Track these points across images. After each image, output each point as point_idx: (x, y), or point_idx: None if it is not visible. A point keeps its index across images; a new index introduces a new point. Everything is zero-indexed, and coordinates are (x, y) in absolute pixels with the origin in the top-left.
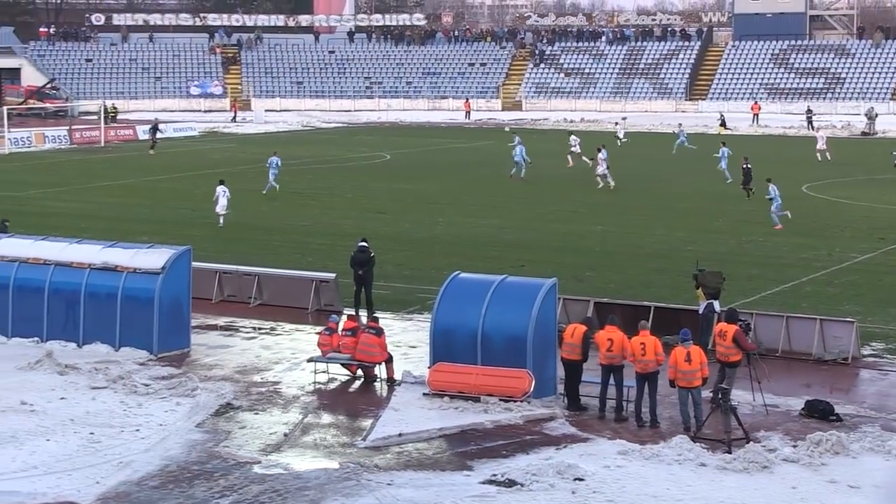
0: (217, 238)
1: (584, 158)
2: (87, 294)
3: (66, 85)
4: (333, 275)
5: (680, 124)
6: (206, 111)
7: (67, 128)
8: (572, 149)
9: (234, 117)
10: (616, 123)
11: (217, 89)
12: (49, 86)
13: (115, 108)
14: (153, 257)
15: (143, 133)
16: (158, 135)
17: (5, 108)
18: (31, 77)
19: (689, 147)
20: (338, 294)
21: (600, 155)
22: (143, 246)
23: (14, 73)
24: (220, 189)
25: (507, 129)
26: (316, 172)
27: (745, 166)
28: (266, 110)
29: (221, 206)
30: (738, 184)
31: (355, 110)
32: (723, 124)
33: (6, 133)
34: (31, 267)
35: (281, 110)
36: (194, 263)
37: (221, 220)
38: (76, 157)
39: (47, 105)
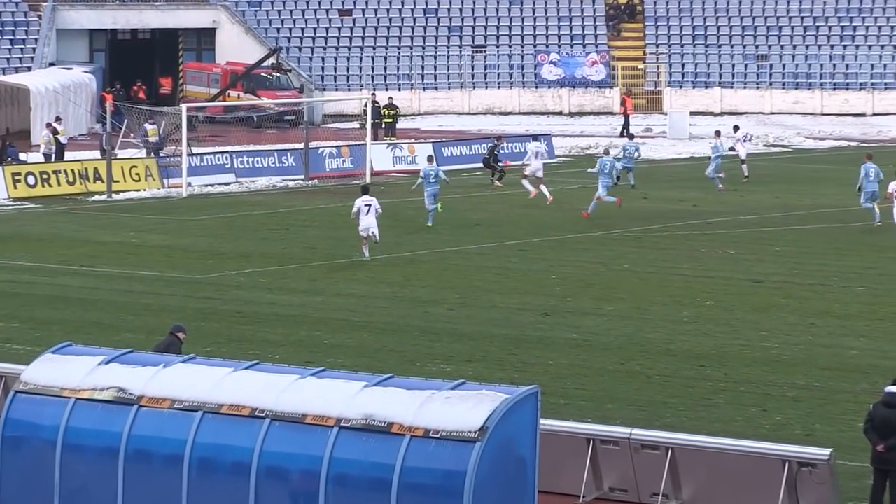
0: (590, 367)
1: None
2: (332, 479)
3: (301, 62)
4: (826, 451)
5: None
6: (572, 114)
7: (302, 149)
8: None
9: (627, 126)
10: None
11: (596, 70)
12: (270, 63)
13: (393, 105)
14: (462, 408)
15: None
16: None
17: (184, 106)
18: (235, 46)
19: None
20: (834, 490)
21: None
22: (441, 385)
23: (206, 39)
24: (363, 201)
25: None
26: (788, 239)
27: None
28: (692, 112)
29: (365, 227)
30: None
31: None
32: None
33: (185, 157)
34: (224, 422)
35: (722, 112)
36: (545, 422)
37: (366, 252)
38: (316, 203)
39: (264, 101)
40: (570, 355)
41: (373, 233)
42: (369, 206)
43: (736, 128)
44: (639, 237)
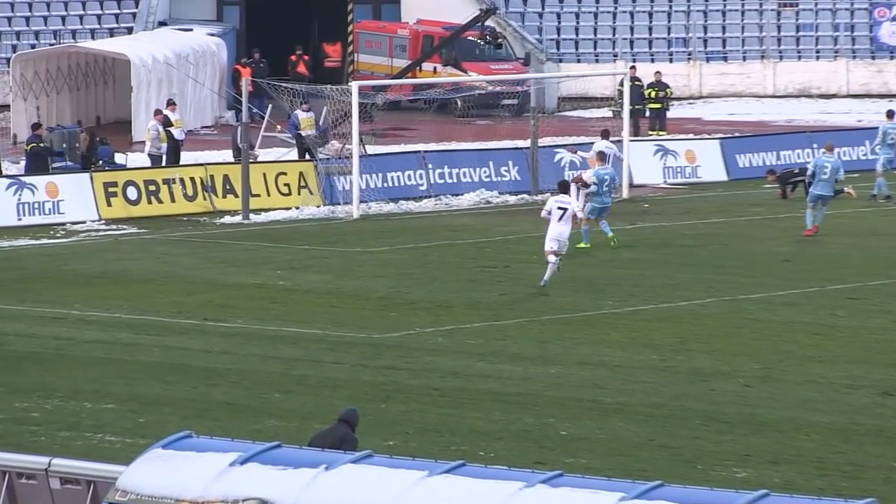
0: None
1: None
2: None
3: (526, 21)
4: None
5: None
6: None
7: (528, 149)
8: None
9: None
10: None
11: None
12: (482, 23)
13: (662, 84)
14: None
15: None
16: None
17: (355, 84)
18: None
19: None
20: None
21: None
22: (735, 498)
23: None
24: (557, 202)
25: None
26: None
27: None
28: None
29: (555, 236)
30: None
31: None
32: None
33: (356, 161)
34: None
35: None
36: None
37: (548, 273)
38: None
39: (473, 77)
40: None
41: (559, 249)
42: (564, 209)
43: (891, 113)
44: None
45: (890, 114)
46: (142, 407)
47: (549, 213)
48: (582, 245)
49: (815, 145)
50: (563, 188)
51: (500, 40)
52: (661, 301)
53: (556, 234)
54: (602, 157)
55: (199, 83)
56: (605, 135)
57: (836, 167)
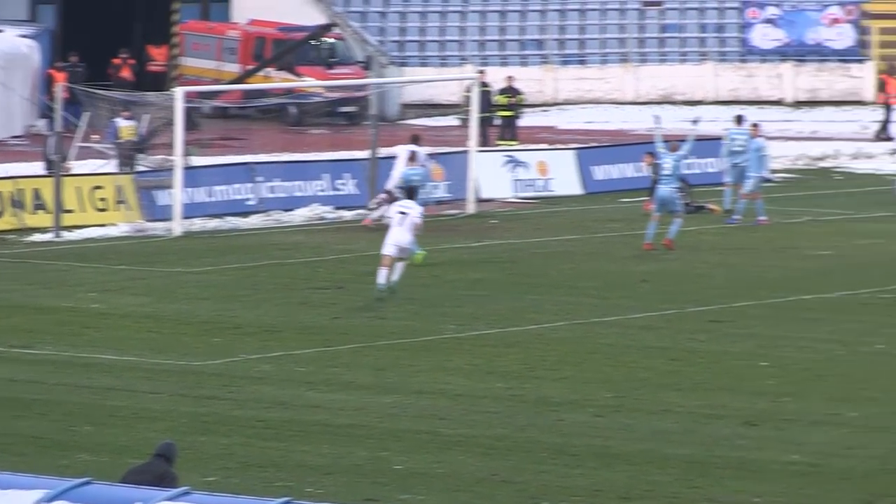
0: None
1: None
2: None
3: (367, 21)
4: None
5: None
6: (799, 103)
7: (367, 159)
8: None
9: (886, 123)
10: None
11: (837, 33)
12: (320, 38)
13: (513, 90)
14: None
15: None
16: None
17: (179, 90)
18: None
19: None
20: None
21: None
22: None
23: None
24: (399, 208)
25: None
26: None
27: None
28: None
29: (394, 242)
30: None
31: None
32: None
33: (178, 172)
34: None
35: None
36: None
37: (383, 278)
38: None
39: (308, 83)
40: (789, 487)
41: (400, 254)
42: (405, 214)
43: (740, 118)
44: None
45: (739, 119)
46: None
47: (389, 217)
48: (419, 256)
49: None
50: (409, 193)
51: (331, 59)
52: (507, 325)
53: (396, 239)
54: (413, 156)
55: (8, 89)
56: (414, 139)
57: (676, 163)
